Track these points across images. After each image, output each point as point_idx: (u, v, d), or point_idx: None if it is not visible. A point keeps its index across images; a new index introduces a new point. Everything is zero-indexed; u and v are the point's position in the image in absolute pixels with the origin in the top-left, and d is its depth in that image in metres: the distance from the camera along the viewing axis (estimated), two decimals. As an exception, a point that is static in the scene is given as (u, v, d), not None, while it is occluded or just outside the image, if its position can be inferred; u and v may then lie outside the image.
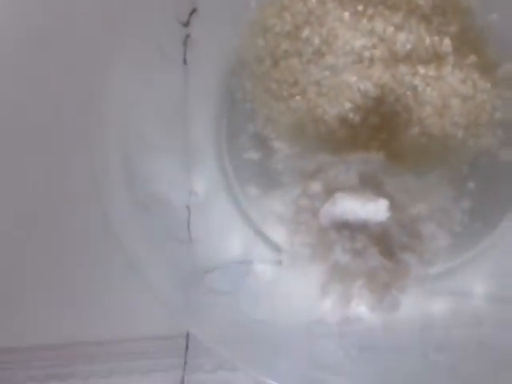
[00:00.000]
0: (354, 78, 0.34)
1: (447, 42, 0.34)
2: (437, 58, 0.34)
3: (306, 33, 0.35)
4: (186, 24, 0.36)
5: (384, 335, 0.32)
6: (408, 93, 0.34)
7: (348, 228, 0.32)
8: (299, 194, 0.34)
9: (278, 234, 0.34)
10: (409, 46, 0.34)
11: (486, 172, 0.35)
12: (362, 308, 0.32)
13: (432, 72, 0.34)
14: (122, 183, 0.32)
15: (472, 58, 0.35)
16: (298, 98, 0.35)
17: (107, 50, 0.34)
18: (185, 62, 0.36)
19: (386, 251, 0.32)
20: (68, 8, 0.41)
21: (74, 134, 0.37)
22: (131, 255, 0.31)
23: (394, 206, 0.33)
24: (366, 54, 0.35)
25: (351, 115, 0.35)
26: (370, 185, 0.33)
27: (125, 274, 0.33)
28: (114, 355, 0.34)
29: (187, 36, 0.36)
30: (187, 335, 0.34)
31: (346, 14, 0.35)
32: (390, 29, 0.34)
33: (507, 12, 0.36)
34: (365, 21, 0.35)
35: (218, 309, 0.32)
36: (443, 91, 0.34)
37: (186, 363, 0.34)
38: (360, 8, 0.35)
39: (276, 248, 0.34)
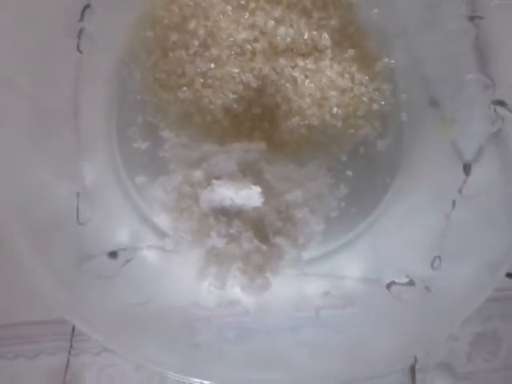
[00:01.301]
0: (236, 70, 0.36)
1: (326, 36, 0.36)
2: (316, 51, 0.36)
3: (192, 25, 0.36)
4: (80, 19, 0.37)
5: (258, 317, 0.33)
6: (288, 85, 0.36)
7: (225, 214, 0.34)
8: (181, 181, 0.35)
9: (164, 221, 0.35)
10: (289, 40, 0.36)
11: (364, 161, 0.37)
12: (236, 290, 0.33)
13: (311, 65, 0.36)
14: (6, 171, 0.33)
15: (350, 52, 0.36)
16: (185, 88, 0.36)
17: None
18: (79, 50, 0.37)
19: (260, 235, 0.33)
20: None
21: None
22: (14, 244, 0.32)
23: (271, 193, 0.34)
24: (248, 46, 0.36)
25: (235, 105, 0.36)
26: (249, 173, 0.35)
27: (9, 262, 0.33)
28: (2, 339, 0.34)
29: (81, 30, 0.37)
30: (73, 319, 0.35)
31: (229, 8, 0.36)
32: (271, 23, 0.36)
33: (388, 7, 0.38)
34: (247, 14, 0.36)
35: (97, 293, 0.33)
36: (322, 83, 0.36)
37: (71, 346, 0.35)
38: (242, 2, 0.36)
39: (162, 234, 0.36)
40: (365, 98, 0.37)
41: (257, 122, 0.36)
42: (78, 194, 0.35)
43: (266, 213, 0.34)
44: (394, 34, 0.38)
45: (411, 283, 0.34)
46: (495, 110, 0.35)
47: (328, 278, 0.35)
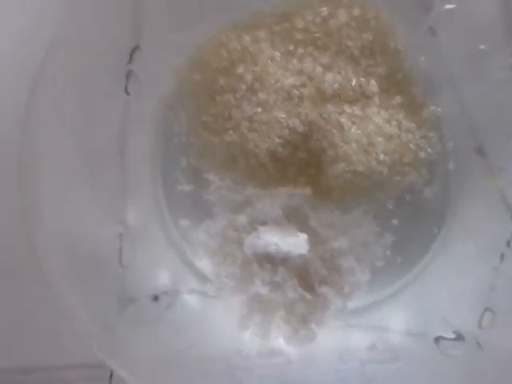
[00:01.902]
0: (283, 115, 0.36)
1: (373, 83, 0.36)
2: (363, 97, 0.36)
3: (240, 70, 0.36)
4: (129, 61, 0.37)
5: (301, 368, 0.32)
6: (334, 130, 0.35)
7: (270, 260, 0.33)
8: (225, 225, 0.35)
9: (206, 266, 0.35)
10: (336, 86, 0.36)
11: (410, 209, 0.36)
12: (280, 340, 0.32)
13: (358, 111, 0.35)
14: (49, 213, 0.33)
15: (398, 99, 0.36)
16: (231, 132, 0.36)
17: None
18: (127, 92, 0.38)
19: (305, 284, 0.33)
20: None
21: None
22: (55, 285, 0.32)
23: (316, 240, 0.34)
24: (296, 92, 0.36)
25: (280, 150, 0.36)
26: (294, 219, 0.35)
27: (48, 302, 0.33)
28: (39, 382, 0.34)
29: (130, 71, 0.37)
30: (112, 363, 0.34)
31: (277, 54, 0.36)
32: (319, 69, 0.36)
33: (434, 55, 0.38)
34: (295, 60, 0.36)
35: (137, 337, 0.32)
36: (368, 130, 0.35)
37: (109, 390, 0.34)
38: (291, 48, 0.37)
39: (204, 279, 0.35)
40: (412, 145, 0.36)
41: (302, 167, 0.36)
42: (120, 236, 0.35)
43: (311, 260, 0.33)
44: (441, 82, 0.37)
45: (460, 338, 0.33)
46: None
47: (373, 330, 0.34)
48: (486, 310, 0.33)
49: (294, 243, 0.33)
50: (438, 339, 0.33)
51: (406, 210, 0.36)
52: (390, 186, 0.36)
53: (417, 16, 0.38)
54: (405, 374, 0.32)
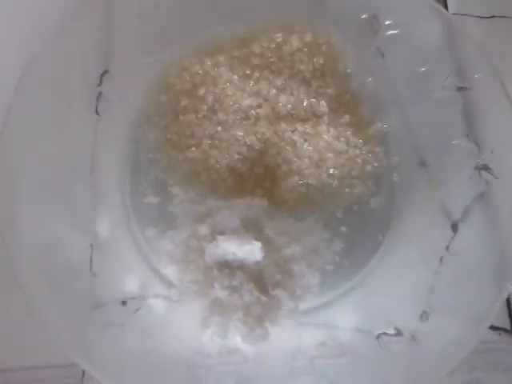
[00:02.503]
0: (241, 133, 0.39)
1: (323, 103, 0.39)
2: (314, 117, 0.39)
3: (202, 92, 0.40)
4: (99, 83, 0.40)
5: (257, 365, 0.36)
6: (288, 147, 0.39)
7: (228, 266, 0.36)
8: (189, 235, 0.38)
9: (171, 272, 0.38)
10: (289, 106, 0.39)
11: (358, 217, 0.40)
12: (237, 339, 0.36)
13: (309, 129, 0.39)
14: (24, 223, 0.35)
15: (346, 118, 0.40)
16: (193, 148, 0.39)
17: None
18: (97, 112, 0.40)
19: (260, 287, 0.36)
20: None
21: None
22: (30, 291, 0.34)
23: (271, 248, 0.37)
24: (252, 112, 0.39)
25: (239, 165, 0.39)
26: (251, 228, 0.38)
27: (23, 307, 0.35)
28: (14, 382, 0.37)
29: (99, 93, 0.40)
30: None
31: (235, 77, 0.40)
32: (273, 91, 0.39)
33: (381, 76, 0.41)
34: (252, 83, 0.40)
35: (106, 339, 0.35)
36: (319, 146, 0.39)
37: (81, 389, 0.37)
38: (248, 72, 0.40)
39: (169, 284, 0.38)
40: (359, 160, 0.40)
41: (259, 181, 0.39)
42: (91, 246, 0.38)
43: (266, 266, 0.36)
44: (387, 101, 0.41)
45: (399, 334, 0.36)
46: (480, 174, 0.37)
47: (323, 328, 0.37)
48: (424, 310, 0.36)
49: (250, 251, 0.36)
50: (379, 335, 0.36)
51: (353, 219, 0.39)
52: (340, 197, 0.39)
53: (365, 39, 0.42)
54: (351, 369, 0.36)
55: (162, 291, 0.38)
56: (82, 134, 0.40)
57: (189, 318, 0.36)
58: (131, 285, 0.38)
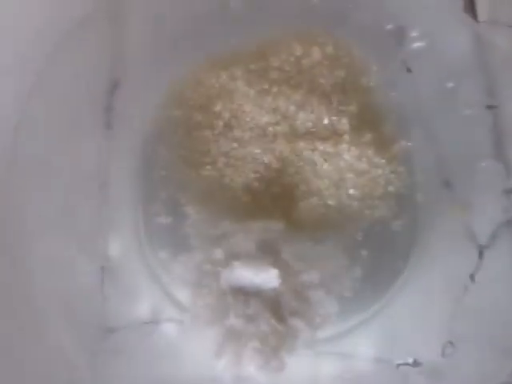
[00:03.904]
0: (258, 151, 0.37)
1: (344, 121, 0.37)
2: (334, 135, 0.37)
3: (217, 107, 0.38)
4: (110, 98, 0.39)
5: (273, 395, 0.34)
6: (307, 166, 0.37)
7: (243, 293, 0.35)
8: (203, 259, 0.36)
9: (184, 296, 0.37)
10: (309, 124, 0.38)
11: (379, 241, 0.38)
12: (251, 369, 0.34)
13: (329, 148, 0.37)
14: (35, 247, 0.34)
15: (368, 137, 0.38)
16: (208, 166, 0.38)
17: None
18: (108, 127, 0.39)
19: (277, 316, 0.35)
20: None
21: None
22: (40, 315, 0.34)
23: (288, 273, 0.36)
24: (270, 129, 0.38)
25: (255, 184, 0.38)
26: (267, 252, 0.36)
27: (32, 331, 0.35)
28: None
29: (110, 108, 0.39)
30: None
31: (252, 92, 0.38)
32: (292, 108, 0.37)
33: (405, 91, 0.39)
34: (270, 99, 0.38)
35: (119, 368, 0.34)
36: (339, 166, 0.37)
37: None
38: (266, 86, 0.38)
39: (182, 308, 0.37)
40: (381, 180, 0.38)
41: (276, 201, 0.38)
42: (102, 268, 0.37)
43: (283, 293, 0.35)
44: (412, 117, 0.39)
45: (419, 365, 0.35)
46: (508, 198, 0.36)
47: (341, 358, 0.36)
48: (447, 340, 0.35)
49: (266, 278, 0.34)
50: (399, 366, 0.35)
51: (374, 242, 0.38)
52: (360, 219, 0.38)
53: (389, 51, 0.40)
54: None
55: (174, 315, 0.37)
56: (92, 151, 0.38)
57: (202, 344, 0.35)
58: (143, 309, 0.37)
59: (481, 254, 0.36)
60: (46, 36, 0.36)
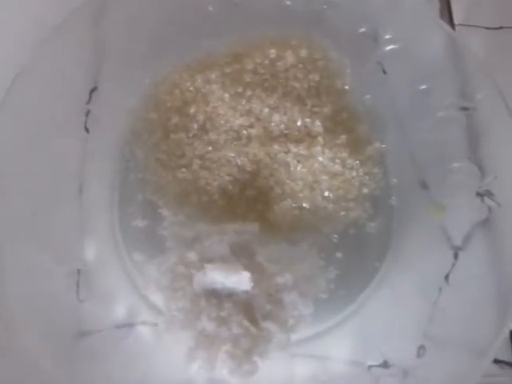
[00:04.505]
0: (232, 154, 0.37)
1: (318, 123, 0.37)
2: (308, 137, 0.38)
3: (192, 110, 0.38)
4: (88, 101, 0.39)
5: (246, 397, 0.34)
6: (281, 169, 0.37)
7: (216, 296, 0.35)
8: (176, 261, 0.36)
9: (159, 299, 0.37)
10: (282, 126, 0.38)
11: (353, 243, 0.38)
12: (224, 372, 0.34)
13: (303, 151, 0.37)
14: (7, 243, 0.34)
15: (342, 139, 0.38)
16: (184, 169, 0.38)
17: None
18: (86, 129, 0.39)
19: (249, 319, 0.35)
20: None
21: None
22: (12, 318, 0.33)
23: (261, 276, 0.35)
24: (244, 132, 0.38)
25: (230, 187, 0.38)
26: (242, 255, 0.36)
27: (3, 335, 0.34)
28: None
29: (88, 111, 0.39)
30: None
31: (227, 95, 0.38)
32: (266, 110, 0.38)
33: (380, 93, 0.39)
34: (244, 101, 0.38)
35: (93, 371, 0.34)
36: (313, 168, 0.37)
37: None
38: (240, 90, 0.38)
39: (157, 311, 0.37)
40: (355, 182, 0.38)
41: (251, 204, 0.38)
42: (78, 271, 0.37)
43: (256, 296, 0.35)
44: (386, 119, 0.39)
45: (391, 367, 0.34)
46: (482, 200, 0.36)
47: (315, 360, 0.36)
48: (420, 342, 0.34)
49: (238, 281, 0.34)
50: (370, 367, 0.35)
51: (349, 244, 0.38)
52: (335, 221, 0.38)
53: (364, 54, 0.40)
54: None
55: (149, 318, 0.37)
56: (70, 153, 0.38)
57: (176, 348, 0.35)
58: (119, 312, 0.37)
59: (455, 256, 0.36)
60: (27, 36, 0.37)
